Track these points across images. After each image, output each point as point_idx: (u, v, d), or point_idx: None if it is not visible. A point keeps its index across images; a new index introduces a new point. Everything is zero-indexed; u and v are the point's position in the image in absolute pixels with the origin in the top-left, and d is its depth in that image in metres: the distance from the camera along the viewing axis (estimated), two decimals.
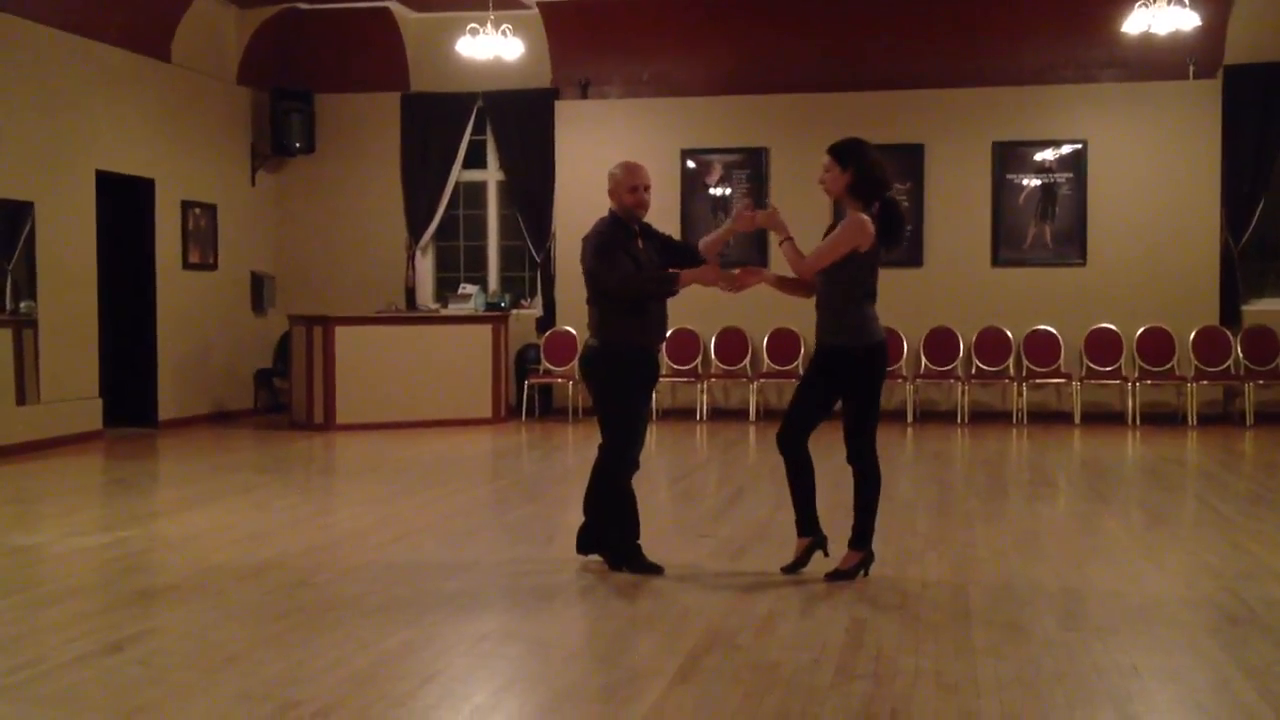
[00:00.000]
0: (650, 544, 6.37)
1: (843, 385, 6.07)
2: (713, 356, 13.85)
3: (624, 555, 6.31)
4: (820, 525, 6.16)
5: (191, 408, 13.44)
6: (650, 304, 6.26)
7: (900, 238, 6.11)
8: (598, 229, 6.27)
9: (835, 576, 6.05)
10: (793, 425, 6.11)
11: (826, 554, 6.16)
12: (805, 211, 14.87)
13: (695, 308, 13.87)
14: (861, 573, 6.10)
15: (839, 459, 6.11)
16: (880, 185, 6.03)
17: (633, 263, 6.21)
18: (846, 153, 6.01)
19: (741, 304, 13.79)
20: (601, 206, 6.42)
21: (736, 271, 6.29)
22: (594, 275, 6.21)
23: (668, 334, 6.52)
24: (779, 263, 14.81)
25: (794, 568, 6.16)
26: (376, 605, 5.65)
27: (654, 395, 6.52)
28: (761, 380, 13.68)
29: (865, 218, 5.92)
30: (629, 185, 6.26)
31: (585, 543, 6.48)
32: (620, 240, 6.22)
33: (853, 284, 5.98)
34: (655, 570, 6.25)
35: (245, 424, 13.64)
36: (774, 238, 6.15)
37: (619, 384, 6.24)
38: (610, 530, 6.35)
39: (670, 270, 6.29)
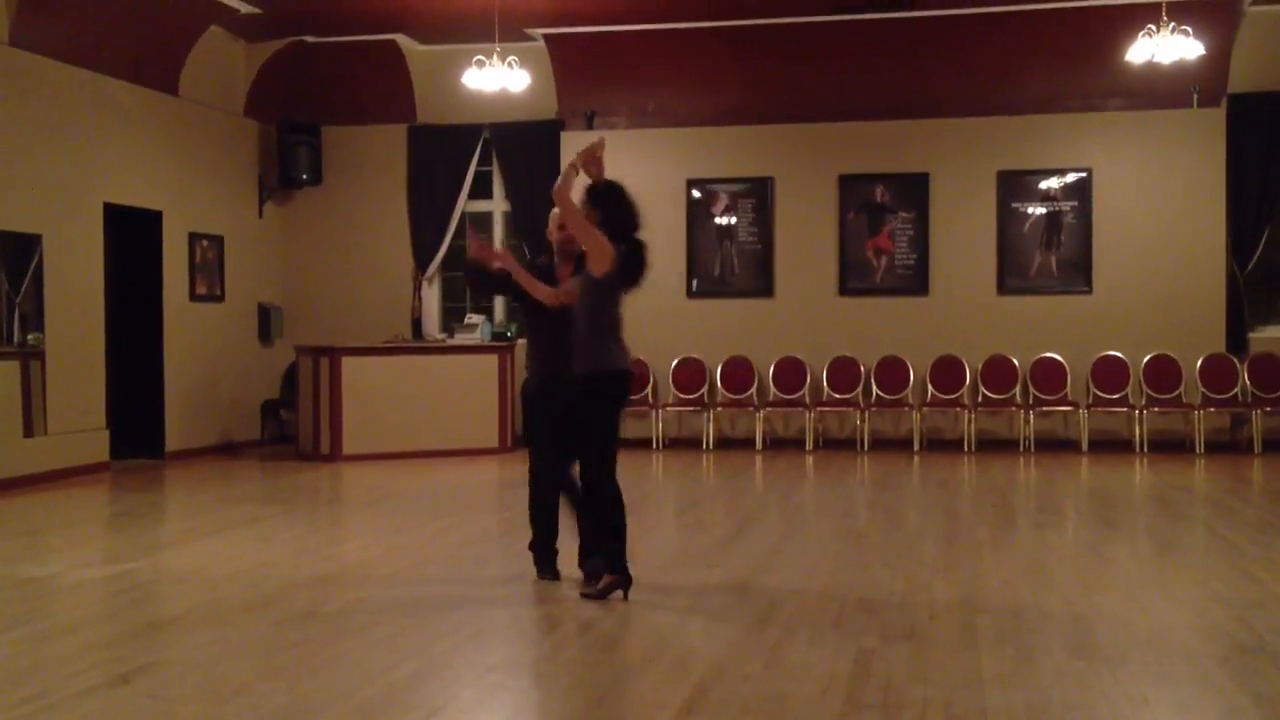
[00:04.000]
0: (657, 573, 6.38)
1: (582, 410, 6.25)
2: (719, 386, 13.86)
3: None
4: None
5: (198, 439, 13.45)
6: (544, 334, 6.67)
7: (637, 279, 6.35)
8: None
9: (589, 597, 6.21)
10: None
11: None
12: (812, 240, 15.03)
13: (702, 337, 13.90)
14: (620, 595, 6.20)
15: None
16: (627, 228, 6.33)
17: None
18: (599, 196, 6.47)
19: (748, 334, 13.84)
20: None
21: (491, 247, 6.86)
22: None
23: (553, 364, 6.58)
24: (802, 286, 14.64)
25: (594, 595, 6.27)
26: (384, 636, 5.64)
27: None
28: (768, 409, 13.68)
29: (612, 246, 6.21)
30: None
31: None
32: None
33: (593, 313, 6.21)
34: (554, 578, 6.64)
35: (252, 455, 13.65)
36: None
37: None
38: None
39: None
